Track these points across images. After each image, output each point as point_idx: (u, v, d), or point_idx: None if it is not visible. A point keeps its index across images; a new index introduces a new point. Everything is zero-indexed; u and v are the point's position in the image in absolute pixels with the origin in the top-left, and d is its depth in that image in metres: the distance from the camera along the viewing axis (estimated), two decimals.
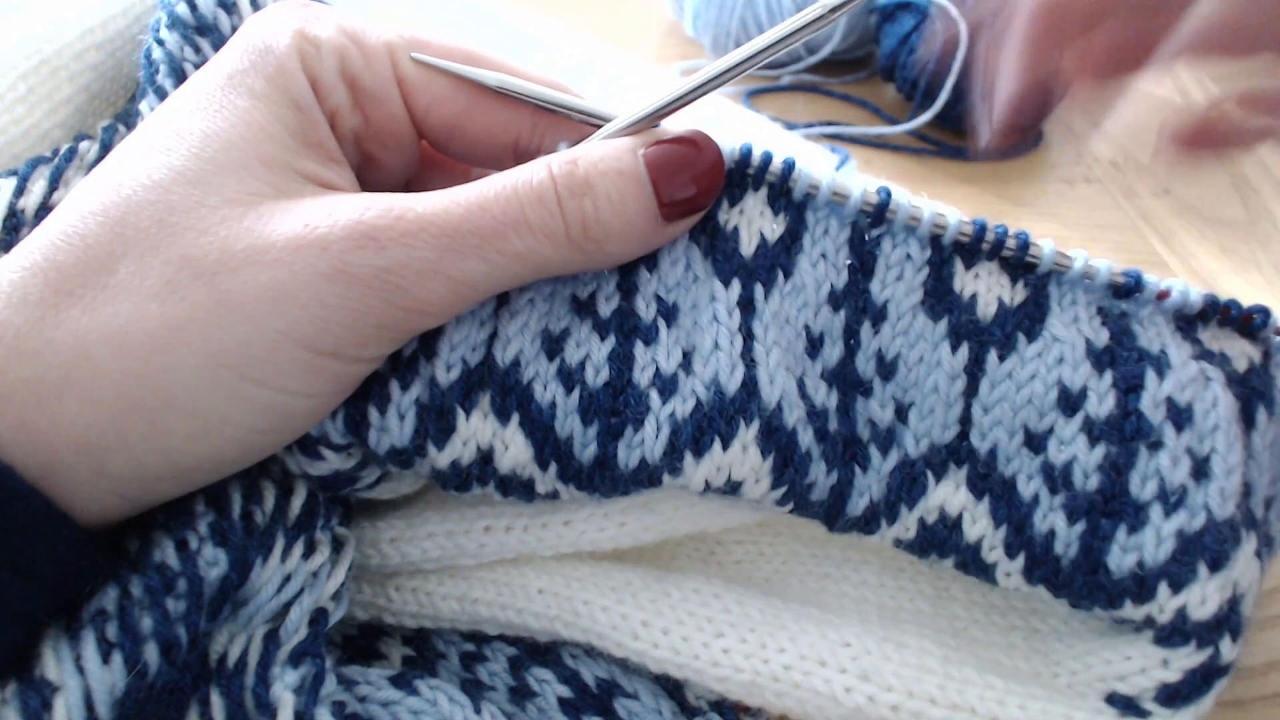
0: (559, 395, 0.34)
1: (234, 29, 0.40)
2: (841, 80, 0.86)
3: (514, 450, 0.34)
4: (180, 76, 0.39)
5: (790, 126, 0.78)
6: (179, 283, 0.29)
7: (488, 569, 0.39)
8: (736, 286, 0.34)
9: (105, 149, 0.42)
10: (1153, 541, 0.32)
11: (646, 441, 0.33)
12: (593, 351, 0.34)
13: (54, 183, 0.40)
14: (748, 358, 0.33)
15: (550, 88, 0.36)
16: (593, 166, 0.32)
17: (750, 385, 0.33)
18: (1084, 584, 0.33)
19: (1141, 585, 0.33)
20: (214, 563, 0.31)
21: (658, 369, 0.34)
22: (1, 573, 0.27)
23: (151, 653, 0.29)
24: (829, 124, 0.79)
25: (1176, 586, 0.32)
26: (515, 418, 0.33)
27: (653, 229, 0.33)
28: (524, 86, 0.35)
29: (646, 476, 0.34)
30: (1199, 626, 0.33)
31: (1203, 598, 0.32)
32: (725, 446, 0.33)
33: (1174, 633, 0.33)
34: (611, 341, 0.34)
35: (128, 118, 0.44)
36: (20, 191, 0.39)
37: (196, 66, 0.39)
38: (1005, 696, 0.34)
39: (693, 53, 0.91)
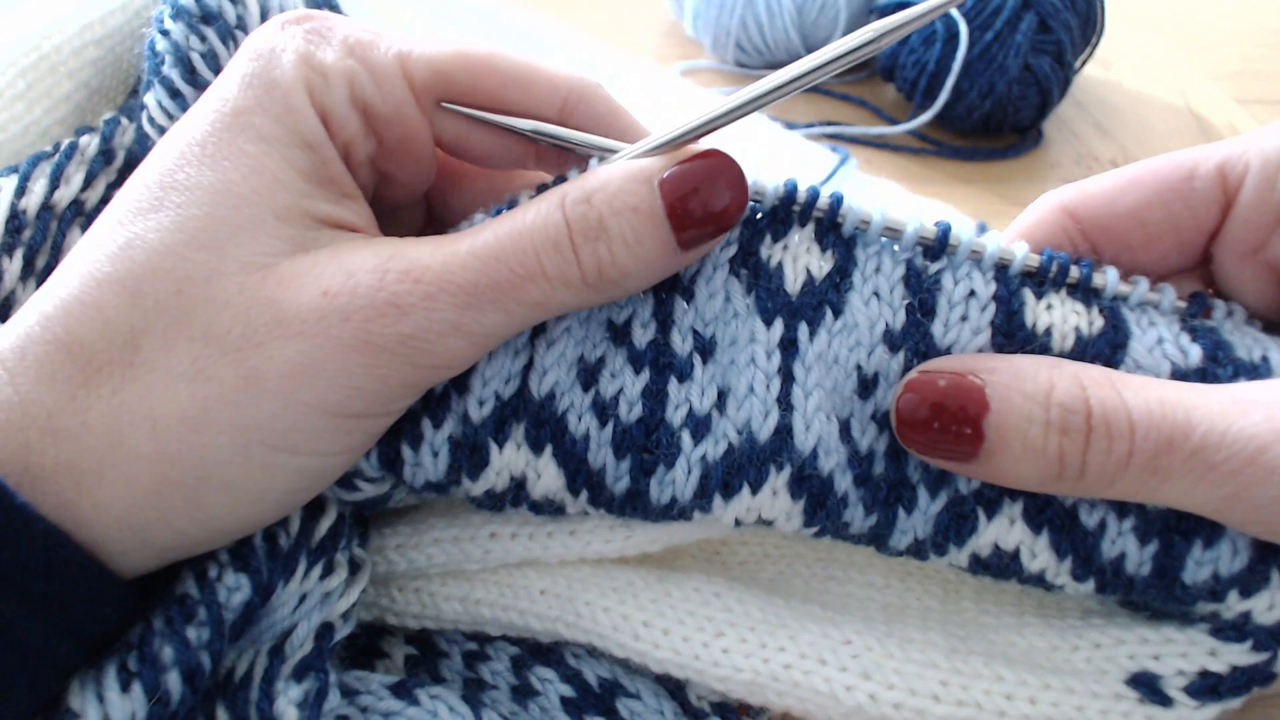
0: (593, 428, 0.33)
1: (239, 18, 0.40)
2: (841, 80, 0.86)
3: (546, 479, 0.34)
4: (186, 66, 0.38)
5: (790, 126, 0.78)
6: (205, 361, 0.29)
7: (490, 570, 0.39)
8: (779, 326, 0.33)
9: (106, 142, 0.41)
10: (1229, 554, 0.32)
11: (678, 482, 0.33)
12: (627, 385, 0.33)
13: (55, 180, 0.39)
14: (784, 402, 0.33)
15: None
16: (607, 205, 0.31)
17: (784, 432, 0.33)
18: (1156, 596, 0.33)
19: (1214, 593, 0.32)
20: (236, 588, 0.32)
21: (691, 409, 0.33)
22: (54, 635, 0.28)
23: (173, 681, 0.29)
24: (829, 124, 0.79)
25: (1247, 593, 0.32)
26: (548, 449, 0.33)
27: (669, 261, 0.32)
28: (557, 132, 0.35)
29: (678, 512, 0.34)
30: (1260, 630, 0.33)
31: (1271, 603, 0.32)
32: (755, 491, 0.33)
33: (1232, 628, 0.33)
34: (646, 376, 0.33)
35: (129, 111, 0.44)
36: (21, 191, 0.39)
37: (202, 55, 0.38)
38: (1015, 689, 0.34)
39: (693, 53, 0.91)
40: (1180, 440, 0.30)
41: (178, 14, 0.39)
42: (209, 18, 0.39)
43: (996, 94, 0.74)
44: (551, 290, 0.31)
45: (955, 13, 0.73)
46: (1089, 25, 0.76)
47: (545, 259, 0.31)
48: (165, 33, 0.39)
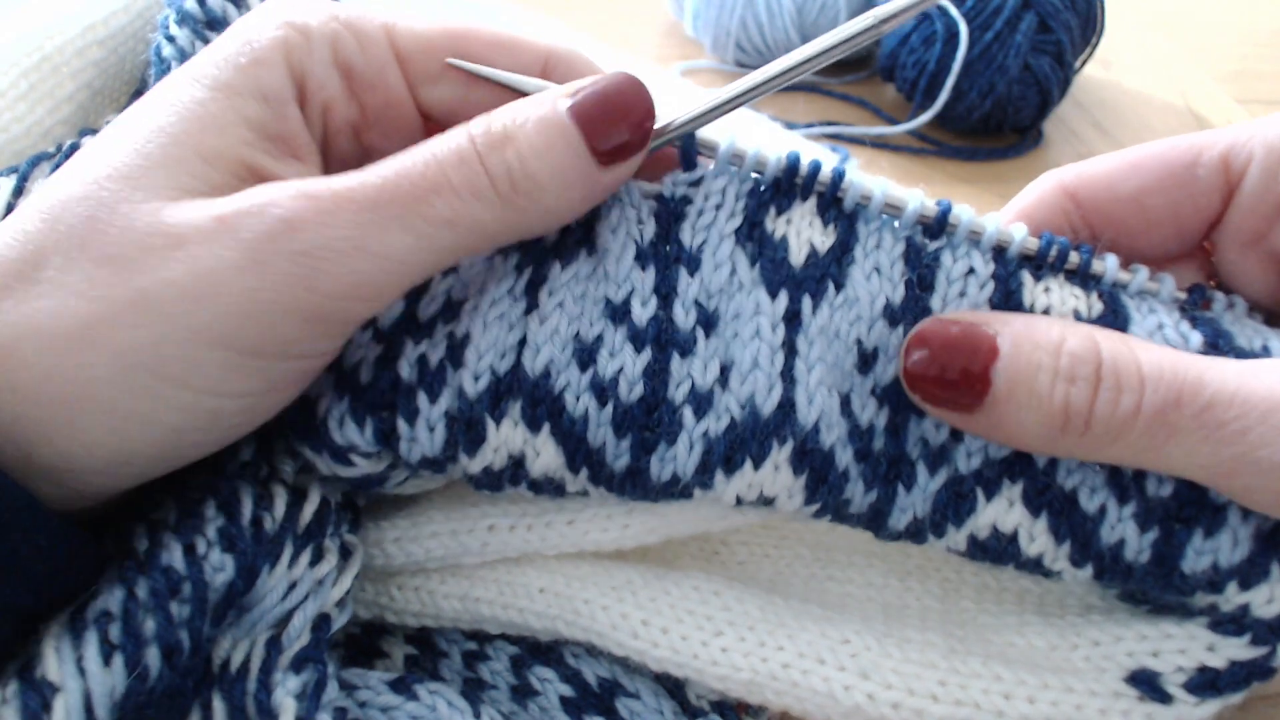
0: (592, 408, 0.33)
1: None
2: (841, 80, 0.86)
3: (545, 457, 0.33)
4: None
5: (790, 126, 0.78)
6: (98, 280, 0.28)
7: (489, 568, 0.39)
8: (784, 299, 0.33)
9: None
10: (1229, 544, 0.32)
11: (679, 459, 0.33)
12: (627, 365, 0.33)
13: None
14: (788, 375, 0.33)
15: None
16: (511, 120, 0.31)
17: (787, 405, 0.32)
18: (1154, 584, 0.33)
19: (1213, 584, 0.32)
20: (220, 568, 0.31)
21: (693, 384, 0.33)
22: None
23: (153, 656, 0.29)
24: (829, 124, 0.79)
25: (1246, 585, 0.32)
26: (546, 427, 0.33)
27: (588, 175, 0.32)
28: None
29: (680, 489, 0.33)
30: (1259, 624, 0.33)
31: (1270, 597, 0.32)
32: (757, 466, 0.33)
33: (1230, 622, 0.33)
34: (647, 355, 0.33)
35: None
36: (20, 190, 0.39)
37: None
38: (1013, 689, 0.34)
39: (693, 53, 0.91)
40: (1190, 396, 0.30)
41: (183, 20, 0.39)
42: (214, 23, 0.39)
43: (996, 94, 0.74)
44: (461, 204, 0.30)
45: (955, 13, 0.73)
46: (1089, 25, 0.76)
47: (451, 170, 0.30)
48: (171, 39, 0.39)
